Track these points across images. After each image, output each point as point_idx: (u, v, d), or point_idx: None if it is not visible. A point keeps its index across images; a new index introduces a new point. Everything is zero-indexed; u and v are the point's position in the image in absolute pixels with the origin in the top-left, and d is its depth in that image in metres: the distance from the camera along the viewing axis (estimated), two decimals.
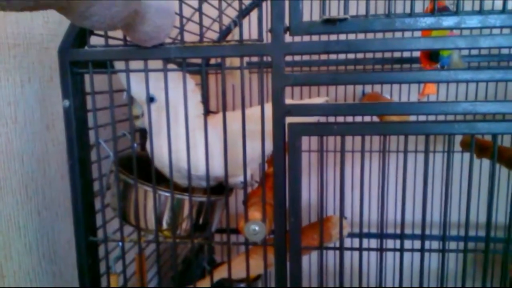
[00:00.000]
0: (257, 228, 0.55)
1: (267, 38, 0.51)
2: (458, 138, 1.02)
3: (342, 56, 1.06)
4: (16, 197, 0.62)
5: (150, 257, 0.86)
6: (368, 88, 1.13)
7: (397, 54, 1.05)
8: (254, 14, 1.02)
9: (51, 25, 0.69)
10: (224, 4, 0.86)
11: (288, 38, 0.50)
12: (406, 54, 1.04)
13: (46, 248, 0.68)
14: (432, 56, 0.81)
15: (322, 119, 0.58)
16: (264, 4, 0.54)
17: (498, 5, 0.93)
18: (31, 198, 0.64)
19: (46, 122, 0.68)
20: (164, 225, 0.62)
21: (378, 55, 1.06)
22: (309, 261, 1.18)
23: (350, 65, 1.08)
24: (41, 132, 0.67)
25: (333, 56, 1.06)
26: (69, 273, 0.72)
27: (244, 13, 1.03)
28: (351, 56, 1.06)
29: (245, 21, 1.06)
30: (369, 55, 1.06)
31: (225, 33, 1.06)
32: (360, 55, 1.07)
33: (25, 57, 0.64)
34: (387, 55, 1.06)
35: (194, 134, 0.58)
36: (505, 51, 1.02)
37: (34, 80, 0.65)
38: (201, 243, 0.83)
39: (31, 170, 0.65)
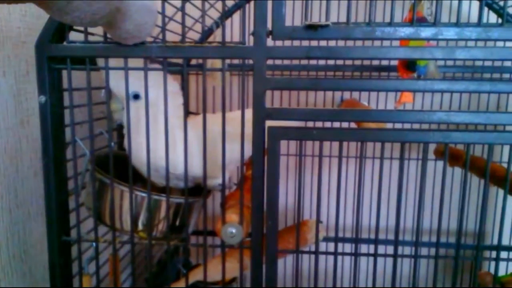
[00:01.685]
0: (234, 230, 0.55)
1: (249, 41, 0.51)
2: (432, 146, 1.04)
3: (321, 62, 1.07)
4: None
5: (124, 258, 0.84)
6: (346, 95, 1.14)
7: (375, 62, 1.07)
8: (236, 16, 1.03)
9: (28, 18, 0.67)
10: (206, 5, 0.86)
11: (270, 42, 0.51)
12: (384, 62, 1.06)
13: (16, 247, 0.66)
14: (409, 65, 0.83)
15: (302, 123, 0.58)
16: (246, 6, 0.54)
17: (474, 17, 0.96)
18: (2, 195, 0.63)
19: (21, 118, 0.66)
20: (140, 226, 0.61)
21: (357, 62, 1.08)
22: (284, 264, 1.18)
23: (330, 71, 1.10)
24: (15, 128, 0.65)
25: (313, 62, 1.07)
26: (40, 273, 0.71)
27: (226, 14, 1.03)
28: (330, 62, 1.07)
29: (227, 23, 1.06)
30: (349, 62, 1.07)
31: (207, 34, 1.06)
32: (339, 62, 1.08)
33: (1, 50, 0.62)
34: (366, 62, 1.08)
35: (174, 133, 0.58)
36: (478, 63, 1.05)
37: (9, 75, 0.63)
38: (177, 245, 0.83)
39: (3, 167, 0.63)
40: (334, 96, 1.16)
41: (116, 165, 0.57)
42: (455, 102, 1.12)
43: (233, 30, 1.05)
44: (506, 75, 1.05)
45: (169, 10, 0.66)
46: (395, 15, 0.50)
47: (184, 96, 0.63)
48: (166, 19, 0.59)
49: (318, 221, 0.56)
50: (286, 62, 1.06)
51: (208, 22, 0.92)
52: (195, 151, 0.60)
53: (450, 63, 1.05)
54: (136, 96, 0.59)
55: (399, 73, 0.86)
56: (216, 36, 0.86)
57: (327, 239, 0.98)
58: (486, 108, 1.10)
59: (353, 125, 0.91)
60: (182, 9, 0.57)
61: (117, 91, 0.58)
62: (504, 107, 1.11)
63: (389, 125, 0.61)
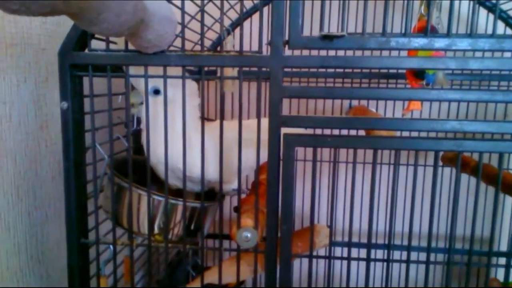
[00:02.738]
0: (249, 235, 0.57)
1: (260, 48, 0.53)
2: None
3: (330, 69, 1.08)
4: (7, 197, 0.62)
5: (138, 260, 0.86)
6: (355, 101, 1.16)
7: (384, 70, 1.08)
8: (246, 24, 1.04)
9: (48, 26, 0.69)
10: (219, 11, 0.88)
11: (287, 51, 0.52)
12: (392, 70, 1.07)
13: (34, 249, 0.67)
14: (418, 73, 0.84)
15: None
16: (253, 17, 0.56)
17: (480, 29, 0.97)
18: (22, 198, 0.64)
19: (40, 123, 0.68)
20: (156, 230, 0.63)
21: (366, 69, 1.09)
22: (292, 268, 1.19)
23: (339, 78, 1.11)
24: (35, 133, 0.67)
25: (322, 69, 1.09)
26: (57, 274, 0.72)
27: (237, 23, 1.05)
28: (339, 69, 1.08)
29: (238, 30, 1.08)
30: (357, 70, 1.09)
31: (218, 41, 1.07)
32: (348, 69, 1.09)
33: (22, 57, 0.64)
34: (375, 70, 1.09)
35: (190, 135, 0.59)
36: (486, 71, 1.06)
37: (29, 80, 0.65)
38: (194, 248, 0.84)
39: (23, 170, 0.64)
40: (343, 103, 1.18)
41: (133, 169, 0.58)
42: (463, 109, 1.13)
43: (245, 38, 1.07)
44: None
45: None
46: (397, 22, 0.51)
47: (201, 103, 0.64)
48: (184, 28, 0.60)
49: (332, 225, 0.57)
50: (295, 68, 1.07)
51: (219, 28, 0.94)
52: (210, 156, 0.61)
53: (457, 71, 1.06)
54: (157, 92, 0.61)
55: (408, 81, 0.88)
56: (227, 43, 0.87)
57: (338, 244, 0.99)
58: (493, 115, 1.11)
59: (361, 131, 0.92)
60: (201, 19, 0.58)
61: (137, 85, 0.60)
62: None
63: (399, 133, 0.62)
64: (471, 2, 0.99)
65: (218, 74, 0.58)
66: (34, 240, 0.67)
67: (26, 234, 0.66)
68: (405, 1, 0.97)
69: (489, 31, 0.51)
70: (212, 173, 0.61)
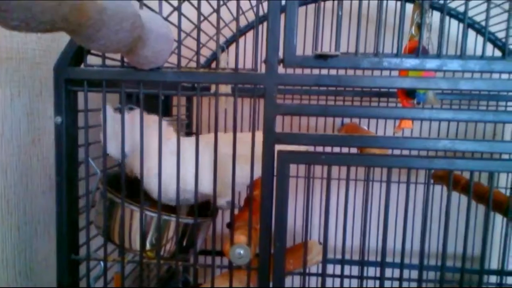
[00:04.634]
0: (242, 251, 0.56)
1: (255, 66, 0.53)
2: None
3: (323, 87, 1.09)
4: None
5: (127, 278, 0.85)
6: (346, 119, 1.17)
7: (375, 88, 1.10)
8: (240, 42, 1.06)
9: (43, 41, 0.69)
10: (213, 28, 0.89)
11: (281, 69, 0.53)
12: (384, 89, 1.09)
13: (23, 264, 0.66)
14: (409, 92, 0.85)
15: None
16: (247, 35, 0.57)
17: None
18: (12, 213, 0.63)
19: (32, 137, 0.67)
20: (148, 246, 0.62)
21: (358, 88, 1.11)
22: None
23: (331, 95, 1.12)
24: (27, 146, 0.66)
25: (314, 87, 1.10)
26: None
27: (232, 41, 1.06)
28: (331, 87, 1.10)
29: (232, 48, 1.09)
30: (349, 88, 1.10)
31: (212, 58, 1.08)
32: (340, 87, 1.11)
33: (17, 71, 0.64)
34: (366, 88, 1.11)
35: (185, 149, 0.59)
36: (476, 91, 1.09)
37: (23, 94, 0.65)
38: (186, 265, 0.83)
39: (13, 184, 0.64)
40: (335, 120, 1.19)
41: (126, 184, 0.58)
42: (453, 128, 1.15)
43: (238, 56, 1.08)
44: (502, 103, 1.08)
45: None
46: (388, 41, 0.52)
47: (197, 118, 0.64)
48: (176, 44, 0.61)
49: (326, 243, 0.57)
50: (289, 86, 1.08)
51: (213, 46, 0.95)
52: (204, 169, 0.61)
53: (447, 91, 1.08)
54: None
55: (399, 100, 0.89)
56: (221, 60, 0.88)
57: (330, 261, 0.99)
58: (483, 135, 1.13)
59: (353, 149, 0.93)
60: (197, 38, 0.59)
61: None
62: (500, 134, 1.14)
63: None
64: (461, 25, 1.01)
65: (212, 91, 0.59)
66: (23, 255, 0.66)
67: (15, 249, 0.65)
68: (396, 22, 1.00)
69: (478, 52, 0.53)
70: (206, 184, 0.61)
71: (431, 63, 0.50)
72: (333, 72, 0.55)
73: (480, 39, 1.03)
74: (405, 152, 0.57)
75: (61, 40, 0.72)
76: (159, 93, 0.56)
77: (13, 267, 0.64)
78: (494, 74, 0.57)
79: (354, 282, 1.11)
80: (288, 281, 1.17)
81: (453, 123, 1.15)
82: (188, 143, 0.61)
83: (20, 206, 0.65)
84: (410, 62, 0.51)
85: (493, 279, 1.09)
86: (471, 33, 1.02)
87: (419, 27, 0.82)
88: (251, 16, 1.04)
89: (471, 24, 1.00)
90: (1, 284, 0.62)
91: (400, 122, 0.91)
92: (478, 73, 0.53)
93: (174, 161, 0.57)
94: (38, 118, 0.69)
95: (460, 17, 1.00)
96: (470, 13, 0.97)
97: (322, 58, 0.52)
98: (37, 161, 0.69)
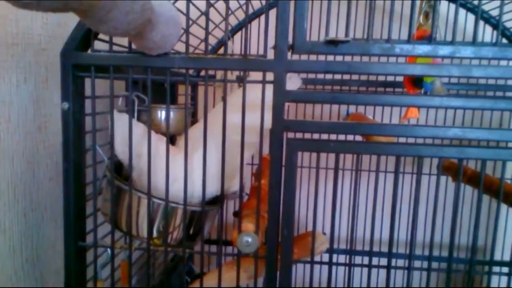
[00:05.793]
0: (250, 239, 0.56)
1: (265, 52, 0.53)
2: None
3: (328, 76, 1.09)
4: (4, 198, 0.61)
5: (133, 265, 0.85)
6: (352, 108, 1.16)
7: (381, 77, 1.09)
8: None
9: (49, 26, 0.68)
10: (219, 16, 0.88)
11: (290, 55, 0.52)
12: (390, 78, 1.08)
13: (29, 251, 0.66)
14: (416, 81, 0.85)
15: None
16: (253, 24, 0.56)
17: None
18: (18, 200, 0.63)
19: (39, 123, 0.67)
20: (155, 233, 0.62)
21: (363, 77, 1.10)
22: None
23: (336, 85, 1.12)
24: (33, 133, 0.66)
25: (320, 75, 1.09)
26: (51, 277, 0.71)
27: (241, 26, 1.06)
28: (337, 76, 1.09)
29: (239, 35, 1.08)
30: (355, 77, 1.10)
31: (217, 45, 1.08)
32: (346, 76, 1.10)
33: (23, 57, 0.63)
34: (372, 77, 1.10)
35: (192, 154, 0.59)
36: (482, 81, 1.08)
37: (29, 81, 0.65)
38: (193, 252, 0.83)
39: (20, 171, 0.63)
40: (340, 110, 1.18)
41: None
42: (458, 118, 1.14)
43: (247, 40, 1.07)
44: (509, 94, 1.07)
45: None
46: (395, 31, 0.51)
47: (205, 106, 0.64)
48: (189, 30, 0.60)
49: (333, 232, 0.57)
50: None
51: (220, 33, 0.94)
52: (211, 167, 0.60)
53: (454, 80, 1.07)
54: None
55: (406, 89, 0.88)
56: (229, 47, 0.88)
57: (337, 251, 0.99)
58: (489, 123, 1.12)
59: (358, 137, 0.93)
60: (206, 26, 0.58)
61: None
62: (506, 124, 1.14)
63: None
64: (468, 14, 1.00)
65: (217, 77, 0.58)
66: (30, 242, 0.66)
67: (22, 236, 0.64)
68: (403, 11, 0.98)
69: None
70: (212, 187, 0.61)
71: (444, 50, 0.50)
72: (339, 59, 0.54)
73: (488, 28, 1.02)
74: (410, 140, 0.57)
75: (67, 25, 0.71)
76: (167, 80, 0.55)
77: (20, 254, 0.64)
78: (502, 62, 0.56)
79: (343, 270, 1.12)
80: None
81: (459, 113, 1.14)
82: (196, 154, 0.60)
83: (27, 193, 0.65)
84: (423, 49, 0.50)
85: (496, 269, 1.09)
86: (480, 23, 1.01)
87: (427, 16, 0.82)
88: (256, 4, 1.03)
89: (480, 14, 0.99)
90: (8, 271, 0.62)
91: (406, 112, 0.91)
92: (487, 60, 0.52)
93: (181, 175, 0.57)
94: (44, 105, 0.68)
95: (469, 5, 0.98)
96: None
97: (333, 44, 0.51)
98: (44, 148, 0.68)
